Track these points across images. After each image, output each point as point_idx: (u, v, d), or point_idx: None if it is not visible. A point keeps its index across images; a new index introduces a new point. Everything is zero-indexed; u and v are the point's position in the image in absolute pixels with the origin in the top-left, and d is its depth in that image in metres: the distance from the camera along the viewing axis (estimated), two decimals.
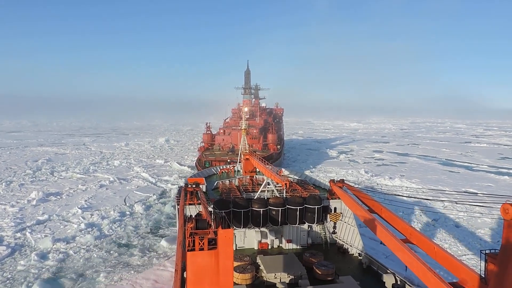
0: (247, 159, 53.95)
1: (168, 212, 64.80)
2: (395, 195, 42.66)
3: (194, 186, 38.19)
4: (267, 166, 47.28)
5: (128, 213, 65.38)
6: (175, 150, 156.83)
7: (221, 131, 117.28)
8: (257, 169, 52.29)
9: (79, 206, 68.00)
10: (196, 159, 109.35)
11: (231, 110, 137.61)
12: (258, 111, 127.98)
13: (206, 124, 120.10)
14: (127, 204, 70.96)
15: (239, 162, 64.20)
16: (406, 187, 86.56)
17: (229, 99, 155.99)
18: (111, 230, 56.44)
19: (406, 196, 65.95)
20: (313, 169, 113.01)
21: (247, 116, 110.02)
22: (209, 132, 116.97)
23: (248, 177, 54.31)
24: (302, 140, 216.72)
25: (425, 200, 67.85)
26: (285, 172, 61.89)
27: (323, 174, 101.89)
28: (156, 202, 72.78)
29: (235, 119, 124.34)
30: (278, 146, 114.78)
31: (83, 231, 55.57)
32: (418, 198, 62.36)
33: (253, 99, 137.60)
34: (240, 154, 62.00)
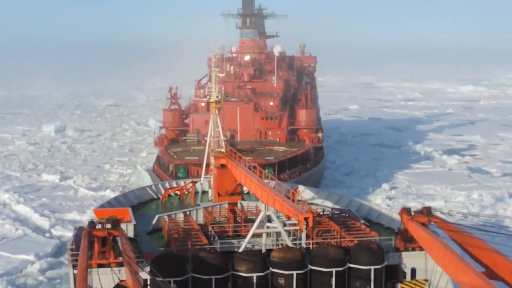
0: (222, 165, 52.03)
1: None
2: None
3: (108, 226, 34.92)
4: (266, 180, 44.61)
5: None
6: (82, 152, 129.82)
7: (201, 104, 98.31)
8: (244, 187, 51.13)
9: None
10: (152, 163, 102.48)
11: (208, 59, 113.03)
12: (274, 63, 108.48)
13: (170, 90, 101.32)
14: None
15: (205, 174, 62.34)
16: None
17: (208, 37, 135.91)
18: None
19: None
20: (391, 191, 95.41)
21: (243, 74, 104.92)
22: (176, 106, 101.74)
23: (226, 205, 51.81)
24: (358, 124, 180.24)
25: None
26: (304, 193, 57.19)
27: (414, 202, 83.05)
28: (42, 276, 61.37)
29: (231, 80, 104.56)
30: (320, 135, 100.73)
31: None
32: None
33: (257, 38, 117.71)
34: (208, 155, 59.76)
